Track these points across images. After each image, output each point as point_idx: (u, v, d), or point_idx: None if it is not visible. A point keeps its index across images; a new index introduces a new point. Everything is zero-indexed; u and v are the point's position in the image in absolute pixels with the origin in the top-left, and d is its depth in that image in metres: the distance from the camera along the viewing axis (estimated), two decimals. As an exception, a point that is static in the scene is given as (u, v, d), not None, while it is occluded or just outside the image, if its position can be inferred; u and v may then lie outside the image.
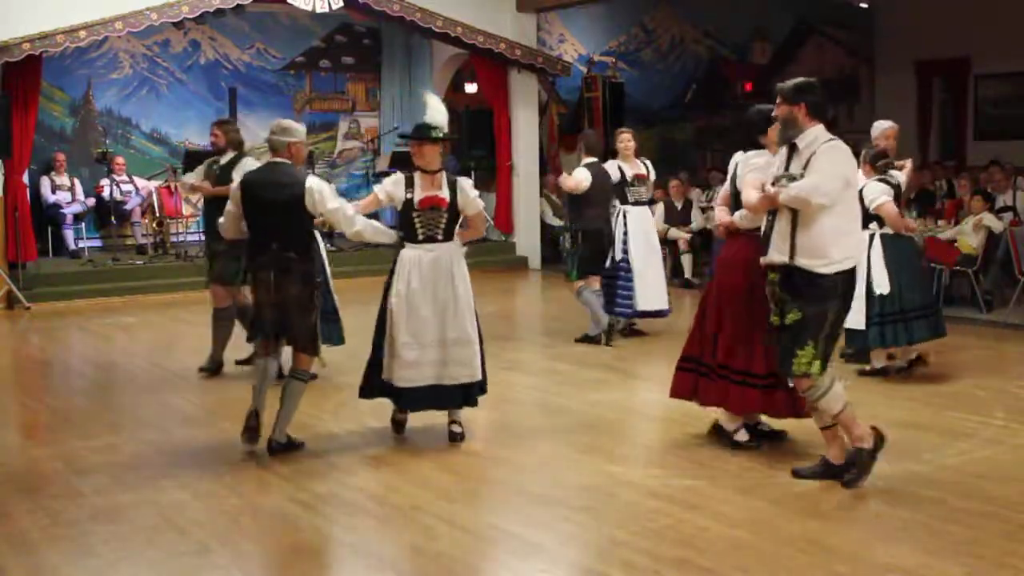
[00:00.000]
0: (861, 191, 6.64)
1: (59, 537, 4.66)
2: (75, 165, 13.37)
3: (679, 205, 12.98)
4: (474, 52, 14.11)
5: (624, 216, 8.79)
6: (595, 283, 8.74)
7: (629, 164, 8.82)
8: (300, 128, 5.93)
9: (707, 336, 5.68)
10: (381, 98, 15.85)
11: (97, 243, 13.51)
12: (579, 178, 8.61)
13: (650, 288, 8.76)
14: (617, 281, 8.78)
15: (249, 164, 7.83)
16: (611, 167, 8.83)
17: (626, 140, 8.86)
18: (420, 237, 5.72)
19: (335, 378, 7.25)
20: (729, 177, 5.75)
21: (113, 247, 13.01)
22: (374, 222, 5.94)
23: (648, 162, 9.00)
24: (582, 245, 8.65)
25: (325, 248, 7.56)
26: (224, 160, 7.76)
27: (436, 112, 5.81)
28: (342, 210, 5.71)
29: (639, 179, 8.83)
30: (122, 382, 8.09)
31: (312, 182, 5.68)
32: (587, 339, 8.75)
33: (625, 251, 8.73)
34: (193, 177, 8.07)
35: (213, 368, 7.83)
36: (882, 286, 7.12)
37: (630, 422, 6.58)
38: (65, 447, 6.09)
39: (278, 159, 5.78)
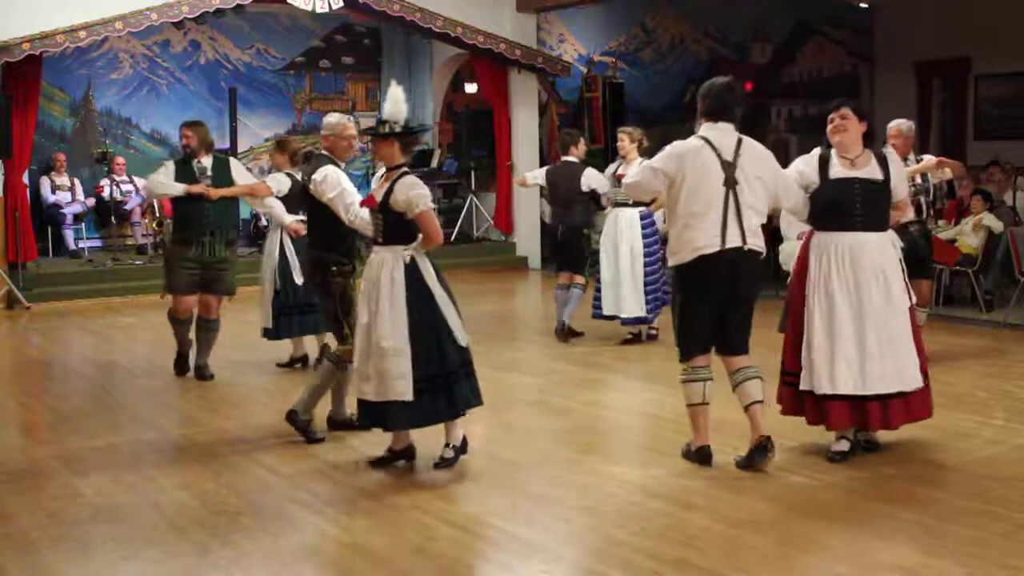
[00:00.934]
0: None
1: (59, 537, 4.66)
2: (75, 165, 13.38)
3: (679, 205, 12.95)
4: (474, 52, 14.12)
5: (607, 218, 8.87)
6: (563, 278, 8.92)
7: (626, 164, 8.79)
8: (335, 120, 5.99)
9: None
10: (381, 98, 15.80)
11: (97, 243, 13.52)
12: (525, 175, 9.48)
13: (613, 291, 8.63)
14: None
15: (238, 166, 7.84)
16: (611, 168, 8.87)
17: (620, 140, 8.76)
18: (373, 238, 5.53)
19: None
20: None
21: (113, 247, 13.02)
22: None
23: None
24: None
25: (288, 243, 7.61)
26: (208, 162, 7.55)
27: (393, 104, 5.39)
28: (340, 198, 5.72)
29: (621, 180, 8.77)
30: (122, 382, 8.09)
31: (319, 173, 5.76)
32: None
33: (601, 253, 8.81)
34: (164, 177, 7.49)
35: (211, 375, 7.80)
36: None
37: (630, 422, 6.58)
38: (65, 447, 6.09)
39: (321, 152, 6.05)
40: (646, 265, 8.59)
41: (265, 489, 5.27)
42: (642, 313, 8.57)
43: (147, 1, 11.67)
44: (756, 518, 4.71)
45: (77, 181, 13.25)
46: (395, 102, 5.37)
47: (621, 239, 8.59)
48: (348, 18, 14.92)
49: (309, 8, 12.20)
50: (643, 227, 8.66)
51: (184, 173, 7.49)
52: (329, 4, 12.09)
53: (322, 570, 4.39)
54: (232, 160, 7.89)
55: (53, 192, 12.93)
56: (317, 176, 5.75)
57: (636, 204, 8.54)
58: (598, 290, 8.77)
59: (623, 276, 8.54)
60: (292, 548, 4.53)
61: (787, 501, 4.92)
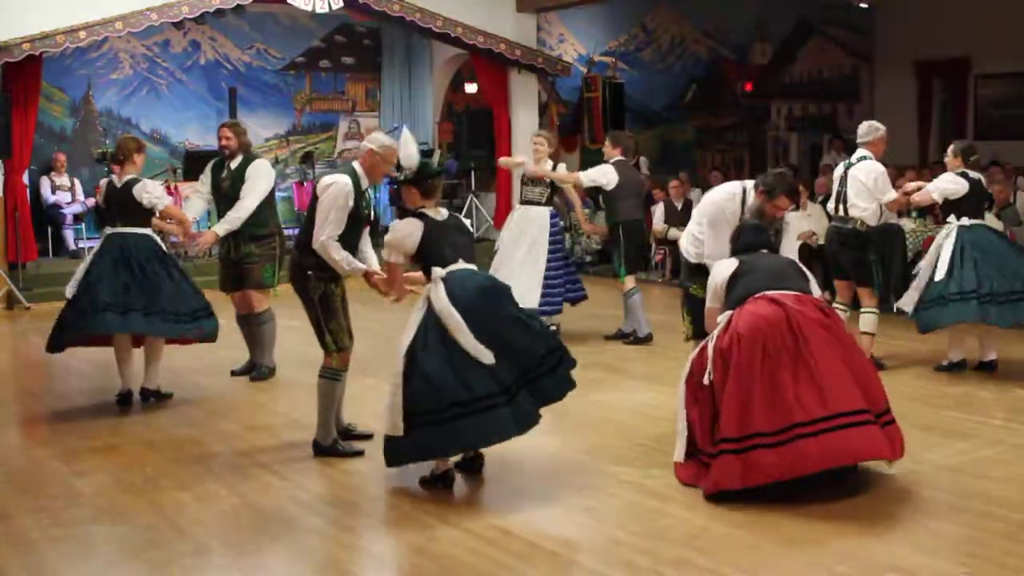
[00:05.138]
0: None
1: (59, 537, 4.67)
2: (75, 165, 13.38)
3: (679, 205, 12.98)
4: (474, 52, 14.12)
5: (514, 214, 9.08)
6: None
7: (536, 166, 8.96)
8: (388, 143, 5.68)
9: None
10: (381, 98, 15.85)
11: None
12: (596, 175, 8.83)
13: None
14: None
15: (264, 165, 7.57)
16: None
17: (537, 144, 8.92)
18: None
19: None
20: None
21: (113, 247, 13.01)
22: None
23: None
24: (624, 241, 8.82)
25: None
26: (235, 164, 7.49)
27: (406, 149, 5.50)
28: (326, 217, 5.61)
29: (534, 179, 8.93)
30: (122, 382, 8.07)
31: (330, 178, 5.62)
32: (638, 340, 8.88)
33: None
34: (198, 188, 7.80)
35: (268, 372, 7.76)
36: (940, 273, 7.42)
37: (630, 422, 6.58)
38: (65, 447, 6.09)
39: (352, 162, 5.77)
40: (549, 262, 8.73)
41: (265, 489, 5.27)
42: (534, 306, 8.48)
43: (147, 1, 11.66)
44: (756, 518, 4.71)
45: (77, 181, 13.24)
46: (407, 145, 5.47)
47: (525, 235, 8.77)
48: (348, 18, 14.92)
49: (309, 8, 12.20)
50: (552, 225, 8.84)
51: (215, 177, 7.61)
52: (329, 4, 12.09)
53: (322, 570, 4.39)
54: (259, 161, 7.59)
55: (53, 192, 12.93)
56: (327, 180, 5.58)
57: (548, 203, 8.84)
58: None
59: (521, 269, 8.62)
60: (292, 548, 4.53)
61: (787, 501, 4.91)
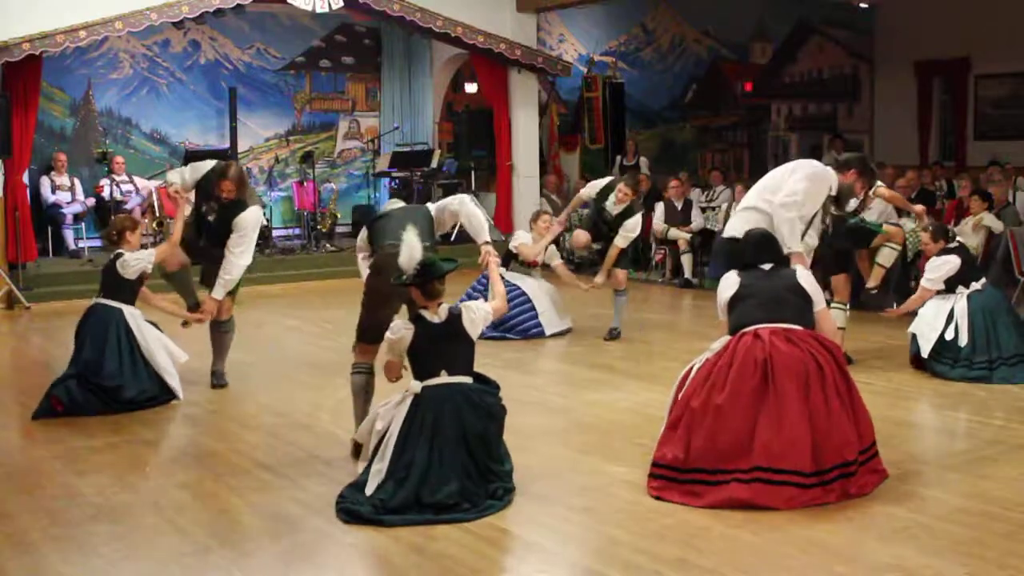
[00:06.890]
0: None
1: (59, 537, 4.67)
2: (75, 165, 13.38)
3: (679, 205, 12.98)
4: (474, 52, 14.12)
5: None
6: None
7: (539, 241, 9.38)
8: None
9: None
10: (381, 98, 15.85)
11: (97, 243, 13.50)
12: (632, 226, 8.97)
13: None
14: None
15: (251, 218, 7.24)
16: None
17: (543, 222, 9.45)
18: None
19: (333, 379, 7.25)
20: None
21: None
22: None
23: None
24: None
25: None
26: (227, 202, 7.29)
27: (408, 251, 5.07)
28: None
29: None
30: (122, 382, 8.06)
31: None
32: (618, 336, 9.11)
33: None
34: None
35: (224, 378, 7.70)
36: (962, 339, 7.37)
37: (630, 422, 6.58)
38: (65, 447, 6.09)
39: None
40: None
41: (265, 489, 5.27)
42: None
43: (147, 1, 11.67)
44: (756, 518, 4.71)
45: (77, 181, 13.23)
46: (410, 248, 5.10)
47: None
48: (348, 18, 14.93)
49: (309, 8, 12.21)
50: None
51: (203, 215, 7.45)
52: (329, 4, 12.10)
53: (322, 570, 4.39)
54: (242, 216, 7.20)
55: (53, 192, 12.93)
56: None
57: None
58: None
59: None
60: (292, 548, 4.53)
61: (787, 501, 4.91)
